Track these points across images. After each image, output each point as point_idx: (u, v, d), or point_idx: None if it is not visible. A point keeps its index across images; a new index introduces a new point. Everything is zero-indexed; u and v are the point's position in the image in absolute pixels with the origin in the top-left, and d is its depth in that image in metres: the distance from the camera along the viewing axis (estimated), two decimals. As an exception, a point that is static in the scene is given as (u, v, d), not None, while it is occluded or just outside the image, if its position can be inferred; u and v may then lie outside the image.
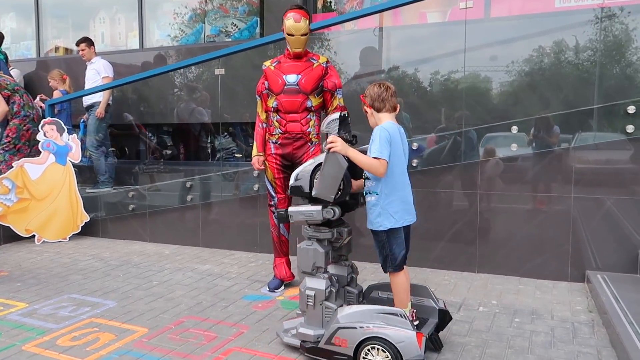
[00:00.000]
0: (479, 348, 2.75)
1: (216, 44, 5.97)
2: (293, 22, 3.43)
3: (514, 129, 4.04)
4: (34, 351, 2.74)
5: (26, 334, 2.98)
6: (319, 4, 5.66)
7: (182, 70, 5.90)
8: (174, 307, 3.42)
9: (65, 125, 5.54)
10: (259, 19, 5.92)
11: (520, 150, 4.06)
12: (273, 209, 3.77)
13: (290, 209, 2.73)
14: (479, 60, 4.37)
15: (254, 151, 3.72)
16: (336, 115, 2.64)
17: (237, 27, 6.10)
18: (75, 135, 5.59)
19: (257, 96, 3.72)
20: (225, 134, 5.88)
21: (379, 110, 2.65)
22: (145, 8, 6.52)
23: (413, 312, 2.66)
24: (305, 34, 3.49)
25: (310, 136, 3.62)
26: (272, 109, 3.61)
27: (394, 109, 2.67)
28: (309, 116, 3.59)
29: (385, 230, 2.58)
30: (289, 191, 2.83)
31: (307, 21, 3.50)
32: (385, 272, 2.67)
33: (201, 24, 6.32)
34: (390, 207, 2.58)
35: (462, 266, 4.19)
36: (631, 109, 3.72)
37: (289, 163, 3.68)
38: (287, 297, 3.62)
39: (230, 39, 6.05)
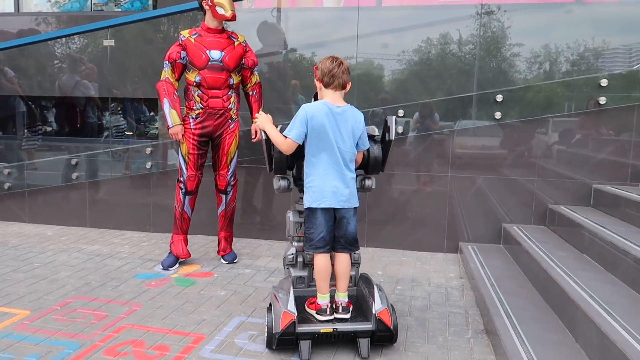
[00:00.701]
0: (364, 313, 2.98)
1: (104, 13, 5.63)
2: None
3: (400, 112, 4.34)
4: None
5: None
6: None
7: (64, 39, 5.49)
8: (59, 289, 3.26)
9: None
10: (152, -11, 5.67)
11: (404, 133, 4.37)
12: (181, 184, 3.73)
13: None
14: (371, 47, 4.60)
15: (174, 119, 3.60)
16: None
17: (127, -4, 5.78)
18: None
19: (167, 62, 3.63)
20: (116, 109, 5.60)
21: (326, 86, 2.50)
22: (21, -33, 5.94)
23: (341, 303, 2.51)
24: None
25: (231, 112, 3.71)
26: (194, 84, 3.59)
27: (343, 87, 2.51)
28: (229, 93, 3.68)
29: (306, 208, 2.53)
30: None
31: None
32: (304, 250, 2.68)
33: (88, -9, 5.90)
34: (310, 187, 2.49)
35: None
36: (499, 98, 4.17)
37: (206, 139, 3.71)
38: (181, 275, 3.61)
39: (120, 9, 5.73)
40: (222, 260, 3.89)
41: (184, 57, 3.60)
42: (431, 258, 4.17)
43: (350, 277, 2.69)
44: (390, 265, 3.93)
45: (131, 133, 5.62)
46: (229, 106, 3.69)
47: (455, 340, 2.65)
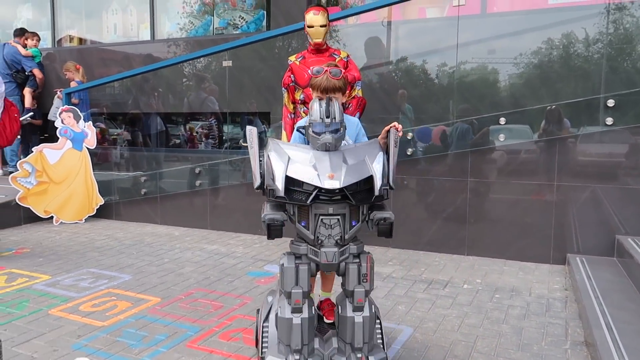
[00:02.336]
0: (459, 318, 3.04)
1: (224, 36, 6.24)
2: (312, 14, 3.78)
3: (502, 120, 4.30)
4: (59, 315, 3.07)
5: (51, 300, 3.31)
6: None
7: (190, 61, 6.18)
8: (184, 281, 3.73)
9: (81, 112, 5.84)
10: (265, 12, 6.18)
11: (508, 140, 4.32)
12: None
13: (387, 214, 2.17)
14: (479, 54, 4.61)
15: (284, 140, 4.01)
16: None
17: (244, 20, 6.36)
18: (91, 122, 5.90)
19: (283, 89, 4.03)
20: (234, 122, 6.17)
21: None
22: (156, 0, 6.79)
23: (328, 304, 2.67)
24: (324, 25, 3.81)
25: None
26: (300, 101, 3.94)
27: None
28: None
29: None
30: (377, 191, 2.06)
31: (326, 14, 3.82)
32: None
33: (210, 17, 6.58)
34: None
35: (452, 249, 4.47)
36: (610, 103, 3.96)
37: None
38: (287, 274, 3.92)
39: (238, 32, 6.32)
40: None
41: (294, 81, 3.95)
42: (535, 269, 4.06)
43: None
44: (490, 274, 3.91)
45: (246, 144, 6.15)
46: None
47: (551, 350, 2.62)
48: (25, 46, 6.83)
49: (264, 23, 6.19)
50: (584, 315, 2.88)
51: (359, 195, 2.06)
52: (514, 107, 4.38)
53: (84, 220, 5.76)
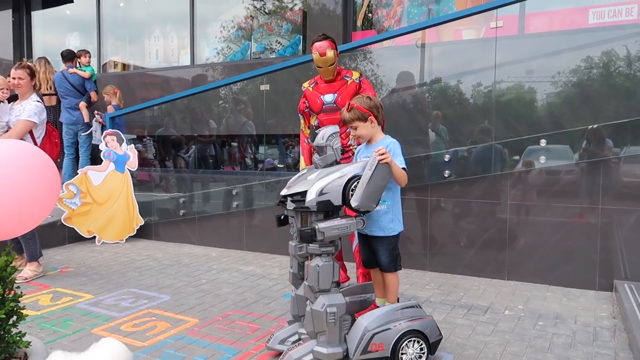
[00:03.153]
0: (500, 346, 2.95)
1: (261, 60, 6.38)
2: (319, 56, 3.67)
3: (543, 142, 4.21)
4: (102, 334, 3.13)
5: (94, 320, 3.39)
6: (359, 22, 5.99)
7: (229, 85, 6.34)
8: (221, 302, 3.76)
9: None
10: (301, 36, 6.29)
11: (548, 162, 4.22)
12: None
13: (321, 225, 2.53)
14: (512, 73, 4.56)
15: (302, 165, 4.06)
16: (333, 129, 2.90)
17: (281, 44, 6.49)
18: (132, 145, 6.09)
19: (299, 114, 4.06)
20: (270, 144, 6.26)
21: (379, 122, 2.92)
22: (196, 26, 7.02)
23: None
24: (332, 64, 3.72)
25: (352, 147, 3.90)
26: (314, 127, 3.96)
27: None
28: (348, 130, 3.87)
29: (396, 235, 2.87)
30: (306, 205, 2.61)
31: (333, 51, 3.69)
32: (387, 271, 2.90)
33: (247, 42, 6.75)
34: (399, 214, 2.89)
35: (491, 273, 4.37)
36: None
37: None
38: (323, 297, 3.91)
39: (274, 56, 6.45)
40: None
41: (308, 107, 3.96)
42: (580, 295, 3.91)
43: None
44: (532, 300, 3.79)
45: (282, 165, 6.22)
46: (349, 142, 3.81)
47: (600, 382, 2.51)
48: (77, 65, 6.99)
49: (300, 47, 6.30)
50: (635, 345, 2.75)
51: (299, 204, 2.65)
52: (555, 127, 4.29)
53: (124, 240, 5.91)
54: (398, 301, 2.89)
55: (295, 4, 6.46)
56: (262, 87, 5.72)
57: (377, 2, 5.85)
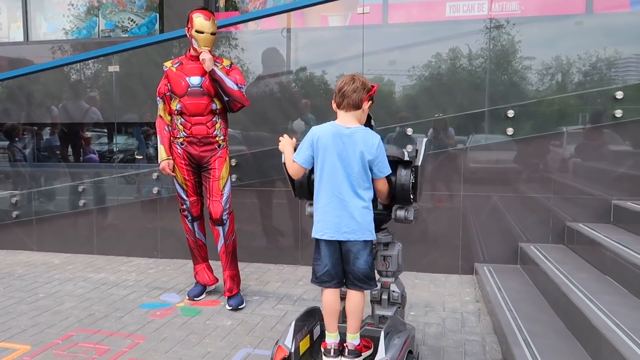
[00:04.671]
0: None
1: (111, 39, 5.66)
2: (203, 19, 3.40)
3: (409, 130, 4.24)
4: None
5: None
6: (221, 3, 5.57)
7: (74, 66, 5.52)
8: (62, 321, 3.18)
9: None
10: (158, 14, 5.69)
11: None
12: (186, 212, 3.66)
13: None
14: (378, 64, 4.53)
15: (162, 155, 3.57)
16: None
17: (134, 22, 5.82)
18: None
19: (158, 98, 3.59)
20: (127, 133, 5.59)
21: (338, 106, 2.30)
22: (30, -2, 6.01)
23: (339, 345, 2.29)
24: (214, 33, 3.47)
25: (217, 139, 3.53)
26: (176, 112, 3.50)
27: (356, 107, 2.27)
28: (214, 119, 3.50)
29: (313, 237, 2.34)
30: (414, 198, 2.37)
31: (215, 21, 3.48)
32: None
33: (95, 18, 5.95)
34: (314, 216, 2.32)
35: (363, 264, 4.32)
36: (510, 113, 4.06)
37: (197, 165, 3.58)
38: (187, 304, 3.51)
39: (127, 35, 5.76)
40: (226, 306, 3.44)
41: (170, 89, 3.52)
42: (445, 280, 4.02)
43: (379, 317, 2.50)
44: (402, 289, 3.79)
45: (141, 157, 5.60)
46: (214, 132, 3.50)
47: (472, 371, 2.51)
48: None
49: (157, 26, 5.70)
50: (499, 329, 2.82)
51: None
52: (416, 117, 4.35)
53: (-62, 251, 4.87)
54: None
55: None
56: (111, 68, 5.04)
57: (241, -17, 5.49)
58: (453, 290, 3.78)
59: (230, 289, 3.51)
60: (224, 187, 3.54)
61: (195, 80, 3.45)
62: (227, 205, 3.55)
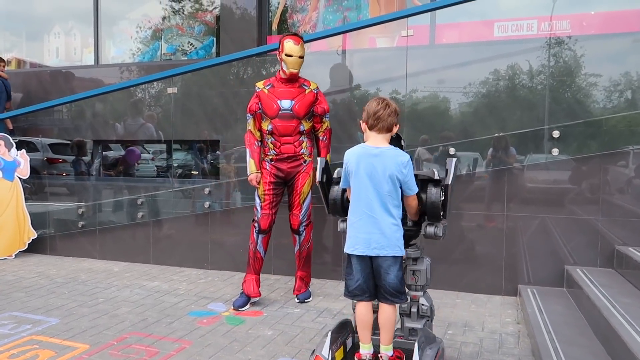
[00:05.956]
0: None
1: (172, 62, 6.04)
2: (293, 43, 3.74)
3: (452, 150, 4.28)
4: (-32, 369, 2.73)
5: (-38, 352, 2.95)
6: (274, 26, 5.83)
7: (139, 87, 5.93)
8: (118, 324, 3.43)
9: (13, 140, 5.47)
10: (214, 38, 6.03)
11: (458, 170, 4.28)
12: (256, 223, 3.88)
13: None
14: (427, 83, 4.60)
15: (252, 168, 3.87)
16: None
17: (193, 46, 6.19)
18: (24, 151, 5.53)
19: (249, 114, 3.89)
20: (183, 150, 5.93)
21: (370, 128, 2.42)
22: (101, 24, 6.53)
23: (373, 356, 2.42)
24: (302, 57, 3.78)
25: (304, 156, 3.89)
26: (267, 132, 3.84)
27: (388, 130, 2.41)
28: (301, 138, 3.87)
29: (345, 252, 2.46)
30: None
31: (303, 46, 3.80)
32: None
33: (157, 42, 6.38)
34: (348, 232, 2.44)
35: (404, 281, 4.35)
36: (556, 134, 4.01)
37: (282, 181, 3.90)
38: (232, 313, 3.69)
39: (186, 58, 6.13)
40: (295, 299, 3.94)
41: (261, 109, 3.84)
42: (487, 301, 3.99)
43: (409, 329, 2.59)
44: (442, 308, 3.81)
45: (197, 172, 5.91)
46: (301, 151, 3.86)
47: (504, 391, 2.51)
48: None
49: (214, 49, 6.04)
50: (537, 352, 2.80)
51: None
52: (465, 136, 4.38)
53: (13, 256, 5.33)
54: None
55: (211, 6, 6.19)
56: (170, 90, 5.40)
57: (293, 7, 5.74)
58: (494, 311, 3.75)
59: (299, 288, 4.00)
60: (304, 201, 3.89)
61: (286, 103, 3.78)
62: (305, 218, 3.92)
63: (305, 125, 3.86)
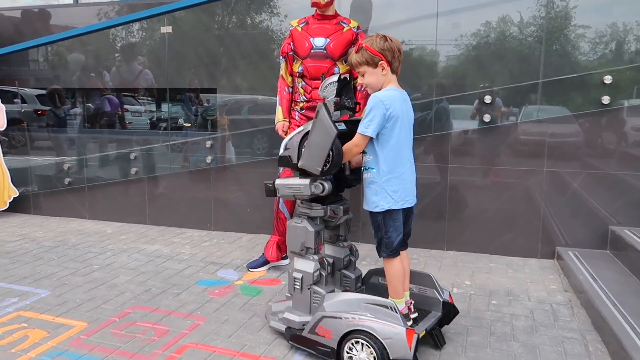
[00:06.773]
0: (459, 335, 2.55)
1: (161, 0, 5.39)
2: None
3: (487, 98, 3.82)
4: (-55, 356, 2.30)
5: (-63, 333, 2.52)
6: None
7: (122, 30, 5.30)
8: (118, 296, 3.02)
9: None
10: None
11: (492, 121, 3.85)
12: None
13: (278, 181, 2.39)
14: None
15: (279, 116, 3.44)
16: (335, 77, 2.39)
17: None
18: (-1, 100, 4.94)
19: (281, 57, 3.43)
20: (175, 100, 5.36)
21: (395, 70, 2.29)
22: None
23: (411, 303, 2.38)
24: None
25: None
26: (298, 74, 3.35)
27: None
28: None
29: (382, 212, 2.27)
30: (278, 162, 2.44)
31: None
32: (379, 256, 2.36)
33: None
34: (389, 186, 2.24)
35: (430, 243, 4.00)
36: (608, 79, 3.57)
37: None
38: (246, 282, 3.30)
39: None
40: None
41: (293, 49, 3.35)
42: (524, 265, 3.66)
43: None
44: (478, 273, 3.46)
45: (189, 125, 5.38)
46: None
47: (579, 376, 2.18)
48: None
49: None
50: (603, 327, 2.46)
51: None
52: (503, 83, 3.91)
53: (-7, 217, 4.84)
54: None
55: None
56: (164, 29, 4.79)
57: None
58: (534, 276, 3.42)
59: None
60: None
61: (319, 41, 3.28)
62: None
63: (341, 68, 3.27)
